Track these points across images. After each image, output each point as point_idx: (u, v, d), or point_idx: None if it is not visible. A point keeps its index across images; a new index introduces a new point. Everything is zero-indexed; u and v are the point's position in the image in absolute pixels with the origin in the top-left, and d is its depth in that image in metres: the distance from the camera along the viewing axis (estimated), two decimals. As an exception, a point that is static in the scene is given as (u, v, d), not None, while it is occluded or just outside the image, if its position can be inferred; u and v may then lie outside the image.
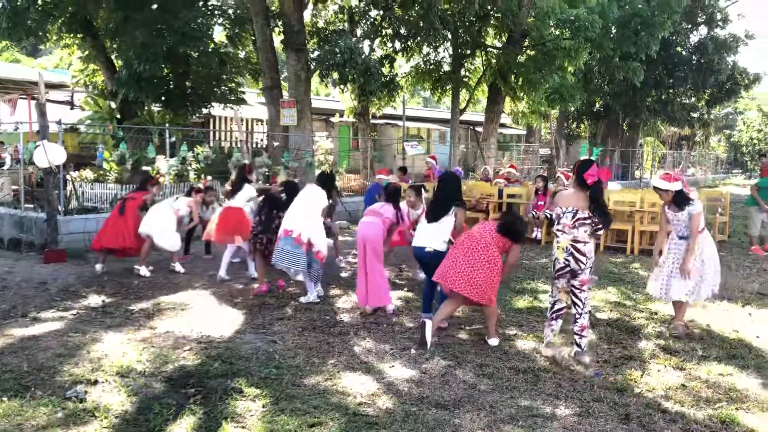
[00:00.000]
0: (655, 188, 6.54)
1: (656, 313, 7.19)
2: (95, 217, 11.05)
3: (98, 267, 8.88)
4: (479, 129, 27.02)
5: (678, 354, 5.79)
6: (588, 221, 5.42)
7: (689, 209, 6.28)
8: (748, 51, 30.18)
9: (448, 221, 6.29)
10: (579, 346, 5.56)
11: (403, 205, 7.54)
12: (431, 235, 6.30)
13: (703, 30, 29.18)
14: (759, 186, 12.07)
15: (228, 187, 9.34)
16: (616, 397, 4.79)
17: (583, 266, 5.43)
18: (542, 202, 12.05)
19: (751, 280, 9.14)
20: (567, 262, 5.45)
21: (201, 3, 15.91)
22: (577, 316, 5.52)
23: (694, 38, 29.33)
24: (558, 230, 5.55)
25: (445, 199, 6.36)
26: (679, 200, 6.33)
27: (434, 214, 6.33)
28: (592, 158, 5.79)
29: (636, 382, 5.11)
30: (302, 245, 7.09)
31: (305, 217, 7.25)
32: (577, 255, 5.41)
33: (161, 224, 8.87)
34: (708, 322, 6.86)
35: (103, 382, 4.83)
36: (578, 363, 5.44)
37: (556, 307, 5.68)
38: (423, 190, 7.86)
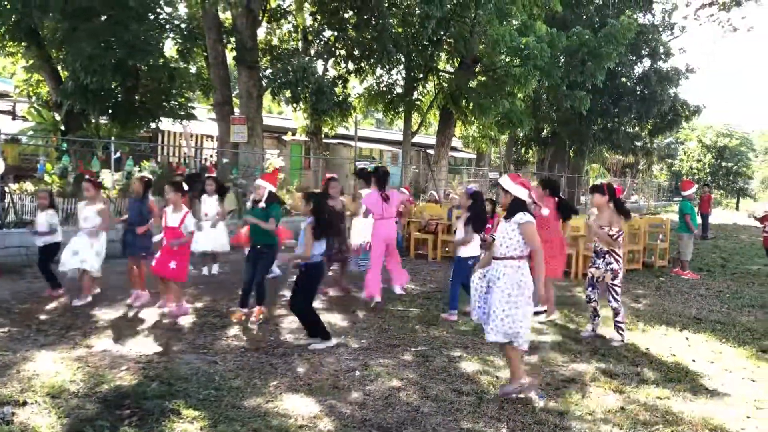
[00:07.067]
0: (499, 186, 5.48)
1: (599, 336, 7.31)
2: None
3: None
4: (431, 151, 27.28)
5: (618, 377, 5.89)
6: None
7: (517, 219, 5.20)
8: (688, 84, 31.49)
9: None
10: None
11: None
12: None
13: (646, 62, 30.20)
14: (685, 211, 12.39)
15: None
16: (557, 419, 4.83)
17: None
18: (490, 225, 12.20)
19: (689, 306, 9.40)
20: None
21: (152, 16, 15.67)
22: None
23: (638, 70, 30.31)
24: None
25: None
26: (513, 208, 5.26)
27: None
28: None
29: (577, 404, 5.17)
30: None
31: None
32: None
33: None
34: (647, 345, 7.01)
35: (32, 403, 4.63)
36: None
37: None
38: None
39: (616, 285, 7.07)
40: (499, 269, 5.16)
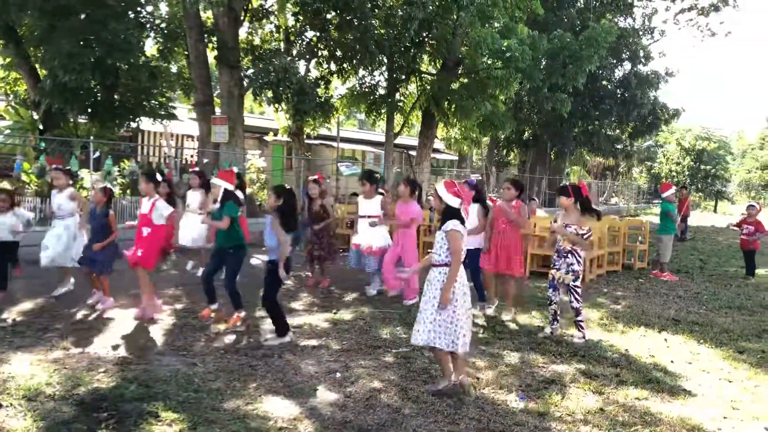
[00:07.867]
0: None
1: (558, 339, 7.32)
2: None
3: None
4: (413, 153, 27.33)
5: (597, 378, 5.92)
6: None
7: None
8: (670, 88, 31.88)
9: None
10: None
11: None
12: None
13: (627, 66, 30.55)
14: (667, 212, 12.51)
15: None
16: (537, 420, 4.84)
17: None
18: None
19: (668, 307, 9.49)
20: None
21: (132, 15, 15.54)
22: None
23: (618, 73, 30.65)
24: None
25: None
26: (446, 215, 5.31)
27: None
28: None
29: (557, 405, 5.19)
30: None
31: None
32: None
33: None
34: (626, 347, 7.06)
35: (7, 407, 4.56)
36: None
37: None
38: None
39: (577, 287, 7.14)
40: (436, 276, 5.24)
